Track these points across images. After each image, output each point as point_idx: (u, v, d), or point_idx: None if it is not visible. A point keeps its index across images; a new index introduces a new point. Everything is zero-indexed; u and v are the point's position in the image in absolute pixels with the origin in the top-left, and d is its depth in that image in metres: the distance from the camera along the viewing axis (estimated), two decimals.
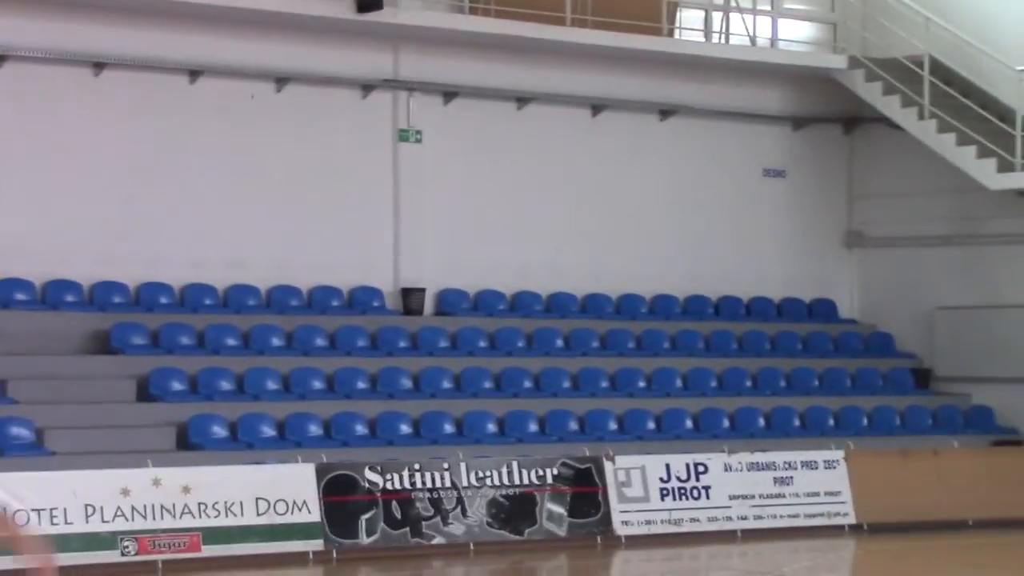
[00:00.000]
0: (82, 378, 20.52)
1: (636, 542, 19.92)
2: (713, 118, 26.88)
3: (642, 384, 24.44)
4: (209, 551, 17.72)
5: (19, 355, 20.26)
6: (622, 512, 20.14)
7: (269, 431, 20.41)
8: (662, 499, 20.55)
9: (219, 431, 20.12)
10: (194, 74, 22.49)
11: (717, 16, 27.32)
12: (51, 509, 17.01)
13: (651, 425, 23.44)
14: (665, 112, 26.42)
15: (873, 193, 28.06)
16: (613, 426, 23.06)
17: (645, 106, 26.33)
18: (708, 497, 20.88)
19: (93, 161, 21.74)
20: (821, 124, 27.96)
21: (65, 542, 16.93)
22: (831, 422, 24.50)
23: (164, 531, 17.55)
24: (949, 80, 26.11)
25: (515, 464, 19.74)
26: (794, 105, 27.90)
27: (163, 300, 22.25)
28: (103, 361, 20.93)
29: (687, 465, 20.94)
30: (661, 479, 20.64)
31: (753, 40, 27.17)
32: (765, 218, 27.46)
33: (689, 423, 23.68)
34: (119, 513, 17.34)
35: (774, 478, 21.27)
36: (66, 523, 17.06)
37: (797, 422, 24.37)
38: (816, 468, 21.71)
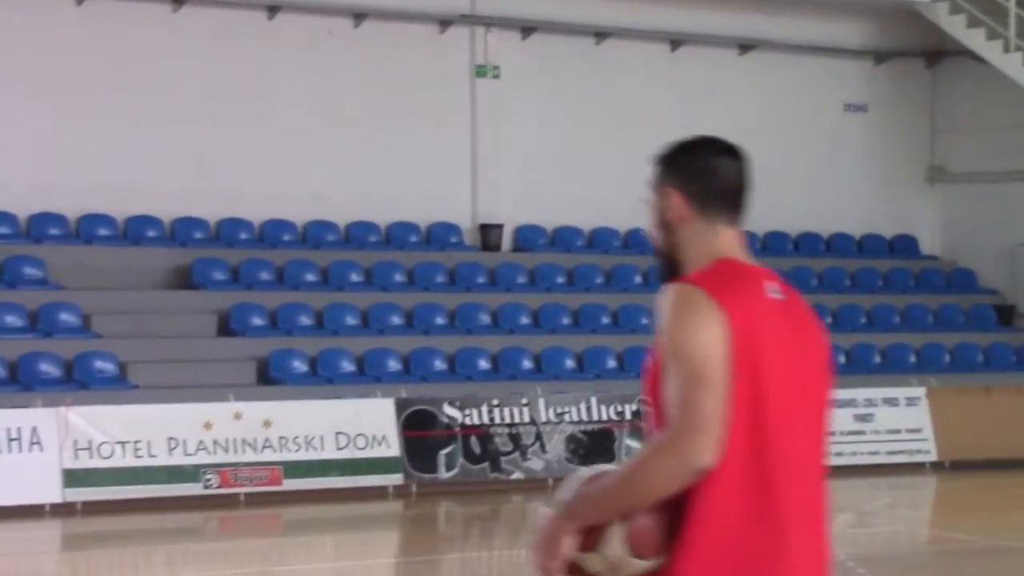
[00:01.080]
0: (164, 313, 20.72)
1: None
2: (793, 53, 26.55)
3: None
4: (290, 484, 17.88)
5: (102, 290, 20.46)
6: None
7: (348, 366, 20.51)
8: None
9: (299, 366, 20.25)
10: (272, 10, 22.51)
11: None
12: (135, 442, 17.22)
13: None
14: (745, 47, 26.14)
15: (956, 128, 27.66)
16: None
17: (724, 41, 26.06)
18: None
19: (173, 98, 21.83)
20: (903, 58, 27.55)
21: (149, 474, 17.19)
22: (912, 359, 24.27)
23: (246, 464, 17.73)
24: None
25: (594, 400, 19.74)
26: (876, 39, 27.51)
27: (243, 236, 22.39)
28: (184, 296, 21.11)
29: None
30: None
31: None
32: (846, 153, 27.14)
33: None
34: (201, 446, 17.54)
35: (855, 415, 21.12)
36: (149, 456, 17.28)
37: (878, 359, 24.14)
38: (897, 405, 21.56)
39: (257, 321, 20.93)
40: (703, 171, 3.74)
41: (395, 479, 18.50)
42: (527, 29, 24.39)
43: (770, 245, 26.31)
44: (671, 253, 3.76)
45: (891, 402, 21.48)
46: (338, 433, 18.26)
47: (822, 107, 26.94)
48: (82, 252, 20.88)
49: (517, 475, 18.99)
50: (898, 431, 21.39)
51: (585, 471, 3.64)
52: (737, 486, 3.46)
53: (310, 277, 22.11)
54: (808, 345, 3.69)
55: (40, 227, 21.13)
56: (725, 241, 3.72)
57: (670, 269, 3.75)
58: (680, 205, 3.69)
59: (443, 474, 18.63)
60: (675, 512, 3.45)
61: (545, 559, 3.47)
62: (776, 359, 3.55)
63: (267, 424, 17.91)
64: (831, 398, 3.77)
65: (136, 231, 21.71)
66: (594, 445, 19.38)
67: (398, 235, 23.42)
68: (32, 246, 20.82)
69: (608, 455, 19.39)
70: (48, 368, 18.88)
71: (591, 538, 3.42)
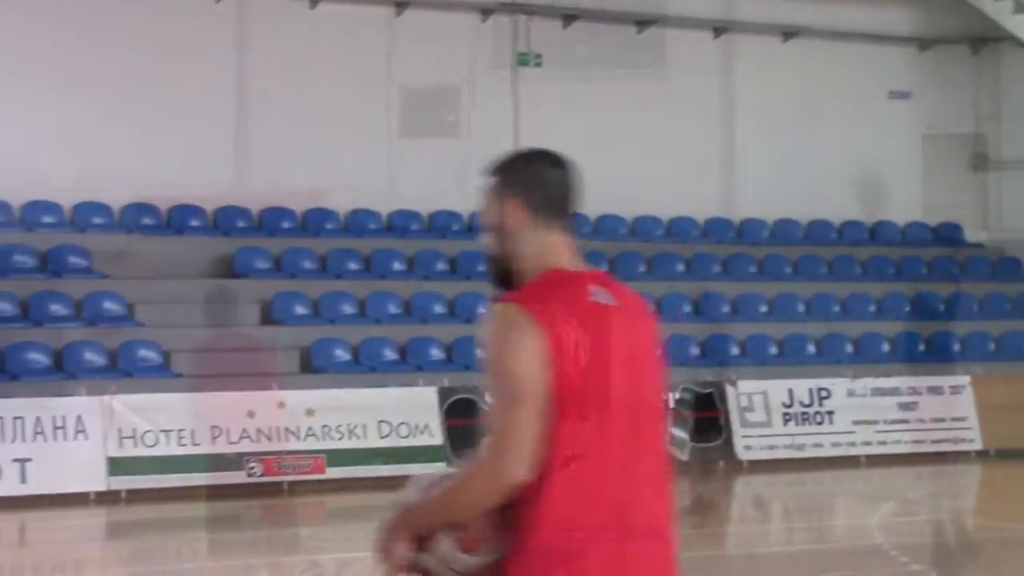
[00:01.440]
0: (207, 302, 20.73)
1: (758, 467, 19.80)
2: (837, 39, 26.36)
3: (764, 309, 24.21)
4: (333, 473, 17.91)
5: (146, 279, 20.55)
6: (744, 437, 20.05)
7: (391, 355, 20.53)
8: (785, 424, 20.43)
9: (341, 354, 20.28)
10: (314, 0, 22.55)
11: None
12: (178, 430, 17.29)
13: (773, 350, 23.24)
14: (788, 34, 25.97)
15: (1001, 115, 27.42)
16: (735, 351, 22.87)
17: (768, 28, 25.91)
18: (831, 422, 20.73)
19: (216, 87, 21.89)
20: (948, 44, 27.31)
21: (192, 463, 17.26)
22: (957, 347, 24.08)
23: (289, 453, 17.78)
24: None
25: None
26: (921, 25, 27.28)
27: (285, 225, 22.43)
28: (227, 285, 21.15)
29: (810, 390, 20.79)
30: (784, 404, 20.52)
31: None
32: (890, 141, 26.93)
33: (812, 348, 23.41)
34: (244, 435, 17.61)
35: (898, 403, 21.04)
36: (193, 444, 17.36)
37: (922, 347, 23.98)
38: (942, 393, 21.44)
39: (299, 310, 20.97)
40: (542, 181, 3.91)
41: (438, 467, 18.50)
42: (568, 17, 24.31)
43: (813, 233, 26.19)
44: (505, 261, 3.90)
45: (935, 390, 21.38)
46: (381, 421, 18.29)
47: (866, 95, 26.74)
48: (126, 241, 20.95)
49: None
50: (942, 419, 21.26)
51: (427, 476, 3.85)
52: (570, 480, 3.60)
53: (352, 266, 22.13)
54: (637, 339, 3.87)
55: (85, 216, 21.25)
56: (558, 248, 3.89)
57: (502, 276, 3.90)
58: (520, 213, 3.83)
59: None
60: (508, 507, 3.62)
61: (384, 558, 3.70)
62: (601, 359, 3.69)
63: (310, 413, 17.96)
64: (663, 388, 3.95)
65: (180, 220, 21.79)
66: None
67: (440, 224, 23.40)
68: (77, 235, 20.92)
69: None
70: (92, 357, 18.99)
71: (427, 537, 3.64)
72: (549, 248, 3.88)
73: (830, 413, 20.72)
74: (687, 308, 23.54)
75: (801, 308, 24.48)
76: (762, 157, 25.71)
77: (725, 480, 19.51)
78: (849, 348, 23.58)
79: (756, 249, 25.51)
